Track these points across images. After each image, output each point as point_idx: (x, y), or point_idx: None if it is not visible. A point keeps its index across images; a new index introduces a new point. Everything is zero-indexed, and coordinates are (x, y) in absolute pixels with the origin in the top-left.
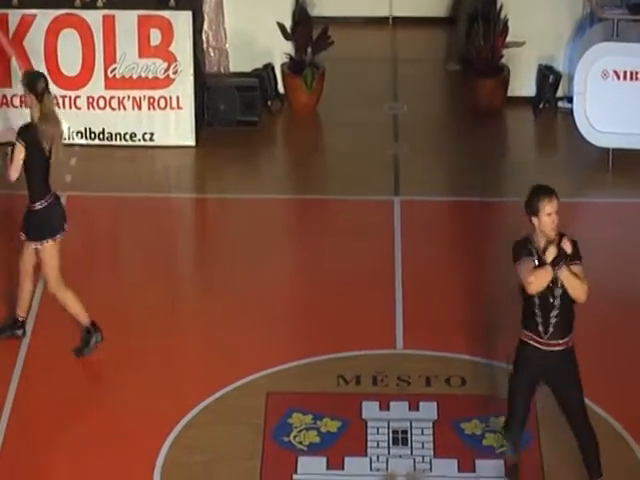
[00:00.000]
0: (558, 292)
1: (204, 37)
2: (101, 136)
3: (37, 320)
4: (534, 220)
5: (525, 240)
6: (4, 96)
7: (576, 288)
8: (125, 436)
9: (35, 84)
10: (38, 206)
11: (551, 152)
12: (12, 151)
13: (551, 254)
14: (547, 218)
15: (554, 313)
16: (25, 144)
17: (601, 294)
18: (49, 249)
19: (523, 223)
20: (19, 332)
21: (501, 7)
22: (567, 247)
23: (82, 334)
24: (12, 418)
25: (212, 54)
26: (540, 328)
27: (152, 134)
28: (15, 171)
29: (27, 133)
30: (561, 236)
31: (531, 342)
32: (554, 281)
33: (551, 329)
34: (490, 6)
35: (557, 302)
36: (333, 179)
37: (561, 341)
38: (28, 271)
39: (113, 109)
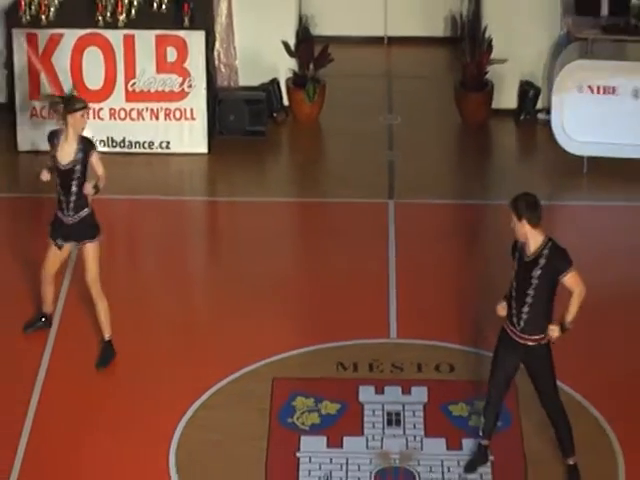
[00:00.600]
0: (531, 292)
1: (216, 54)
2: (122, 144)
3: (63, 312)
4: (518, 226)
5: (514, 241)
6: (34, 108)
7: (579, 305)
8: (143, 416)
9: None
10: (90, 209)
11: (531, 159)
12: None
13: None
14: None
15: (526, 309)
16: None
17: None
18: (95, 247)
19: (507, 224)
20: (46, 324)
21: (485, 28)
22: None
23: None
24: (43, 397)
25: (223, 70)
26: (514, 319)
27: (168, 142)
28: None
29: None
30: (549, 240)
31: (508, 330)
32: (529, 281)
33: (522, 323)
34: (476, 27)
35: (529, 300)
36: (333, 183)
37: (533, 337)
38: (54, 272)
39: (133, 120)
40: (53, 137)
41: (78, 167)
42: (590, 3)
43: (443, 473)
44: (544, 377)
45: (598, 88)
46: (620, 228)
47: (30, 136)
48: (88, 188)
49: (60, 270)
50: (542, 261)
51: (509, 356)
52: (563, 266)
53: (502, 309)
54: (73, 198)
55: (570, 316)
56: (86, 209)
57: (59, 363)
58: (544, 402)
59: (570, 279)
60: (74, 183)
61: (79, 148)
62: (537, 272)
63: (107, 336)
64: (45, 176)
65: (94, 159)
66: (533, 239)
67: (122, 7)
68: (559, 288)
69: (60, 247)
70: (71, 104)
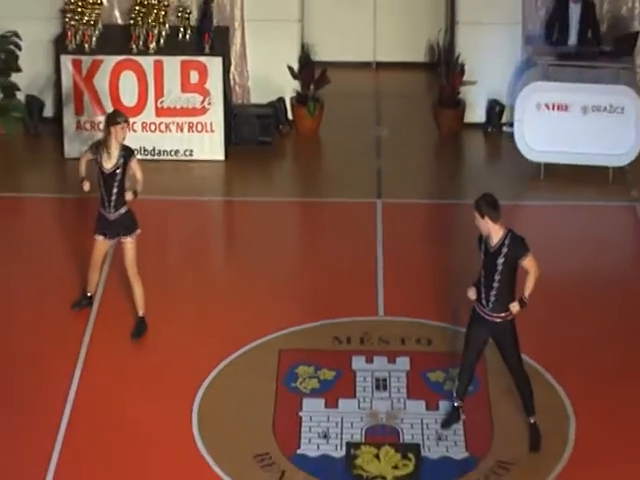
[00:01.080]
0: (497, 278)
1: (231, 77)
2: (152, 153)
3: (104, 293)
4: (482, 223)
5: (479, 235)
6: (78, 121)
7: (534, 283)
8: (169, 381)
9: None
10: (128, 207)
11: (497, 165)
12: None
13: (516, 308)
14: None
15: (493, 292)
16: None
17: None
18: (133, 239)
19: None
20: (90, 303)
21: (459, 55)
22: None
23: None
24: (87, 363)
25: (237, 89)
26: (483, 301)
27: (191, 151)
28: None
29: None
30: (508, 231)
31: (478, 310)
32: (495, 268)
33: (491, 305)
34: (450, 54)
35: (496, 285)
36: (330, 185)
37: (501, 314)
38: (101, 260)
39: (161, 132)
40: (98, 146)
41: (119, 171)
42: (561, 33)
43: (423, 429)
44: (510, 349)
45: (553, 105)
46: (572, 224)
47: (75, 145)
48: (129, 196)
49: (103, 258)
50: (504, 250)
51: (479, 331)
52: (522, 251)
53: (472, 293)
54: (114, 197)
55: (527, 292)
56: (124, 207)
57: (100, 334)
58: (511, 370)
59: (528, 262)
60: (115, 185)
61: (120, 155)
62: (501, 260)
63: (141, 313)
64: (86, 187)
65: (134, 164)
66: (495, 233)
67: (152, 37)
68: (519, 272)
69: (104, 239)
70: (114, 118)
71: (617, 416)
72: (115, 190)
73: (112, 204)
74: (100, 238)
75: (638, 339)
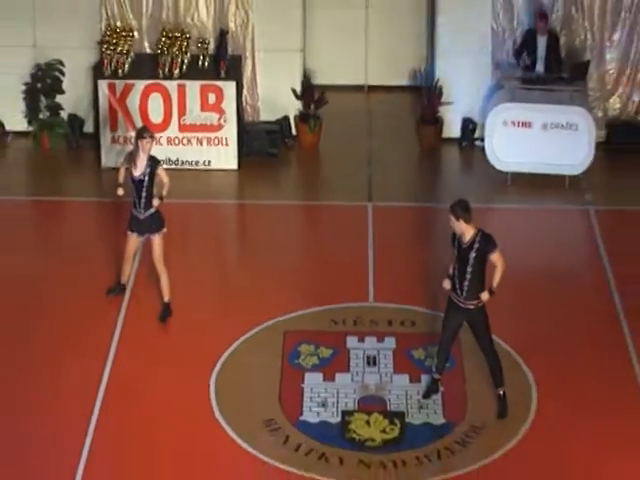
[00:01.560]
0: (469, 270)
1: (243, 98)
2: (176, 163)
3: (135, 282)
4: (456, 224)
5: (453, 234)
6: (113, 136)
7: (501, 275)
8: (191, 357)
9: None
10: (155, 209)
11: (470, 174)
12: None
13: (485, 297)
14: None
15: (466, 283)
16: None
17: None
18: (160, 236)
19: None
20: (123, 290)
21: (438, 79)
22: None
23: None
24: (121, 340)
25: (248, 109)
26: (457, 291)
27: (209, 161)
28: None
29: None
30: (479, 230)
31: (454, 298)
32: (467, 262)
33: (464, 293)
34: (431, 79)
35: (468, 276)
36: (328, 191)
37: (473, 302)
38: (133, 254)
39: (184, 145)
40: (130, 156)
41: (147, 178)
42: (531, 61)
43: (407, 399)
44: (482, 332)
45: (518, 123)
46: (534, 224)
47: (110, 157)
48: (155, 202)
49: (134, 252)
50: (476, 246)
51: (455, 317)
52: (491, 247)
53: (447, 284)
54: (143, 200)
55: (495, 283)
56: (152, 208)
57: (132, 317)
58: (483, 349)
59: (495, 256)
60: (144, 189)
61: (148, 164)
62: (472, 254)
63: (166, 299)
64: (120, 192)
65: (160, 171)
66: (467, 232)
67: (176, 64)
68: (488, 265)
69: (135, 235)
70: (141, 133)
71: (573, 388)
72: (144, 194)
73: (142, 206)
74: (132, 235)
75: (590, 323)
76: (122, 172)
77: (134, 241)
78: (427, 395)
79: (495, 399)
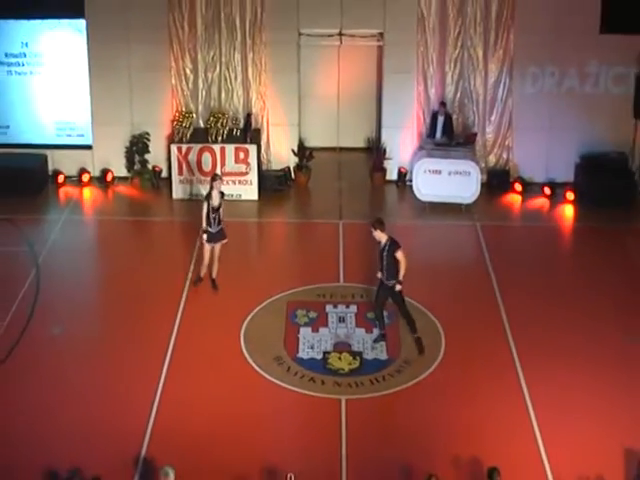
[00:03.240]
0: (385, 263)
1: (262, 155)
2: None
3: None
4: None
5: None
6: (179, 179)
7: (405, 268)
8: (227, 318)
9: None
10: (222, 225)
11: (403, 203)
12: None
13: (398, 287)
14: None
15: (385, 270)
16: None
17: (424, 266)
18: (222, 244)
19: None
20: (200, 280)
21: (383, 143)
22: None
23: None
24: (185, 306)
25: (264, 162)
26: (382, 276)
27: (240, 195)
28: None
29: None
30: (390, 238)
31: (380, 278)
32: (384, 258)
33: (385, 276)
34: (378, 143)
35: (386, 266)
36: (314, 213)
37: (391, 282)
38: (208, 257)
39: (224, 184)
40: (207, 196)
41: (220, 206)
42: (434, 132)
43: (364, 344)
44: (399, 301)
45: (432, 171)
46: (441, 234)
47: (178, 191)
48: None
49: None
50: (387, 247)
51: (383, 291)
52: (397, 248)
53: (379, 274)
54: (216, 220)
55: (401, 275)
56: (221, 224)
57: (192, 294)
58: (399, 310)
59: (399, 254)
60: (218, 213)
61: (220, 196)
62: (386, 253)
63: (214, 276)
64: (205, 238)
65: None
66: (382, 238)
67: (218, 135)
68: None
69: (209, 244)
70: (215, 177)
71: (471, 334)
72: (217, 217)
73: (215, 223)
74: (207, 244)
75: (475, 292)
76: (205, 207)
77: (208, 248)
78: (376, 341)
79: (415, 342)
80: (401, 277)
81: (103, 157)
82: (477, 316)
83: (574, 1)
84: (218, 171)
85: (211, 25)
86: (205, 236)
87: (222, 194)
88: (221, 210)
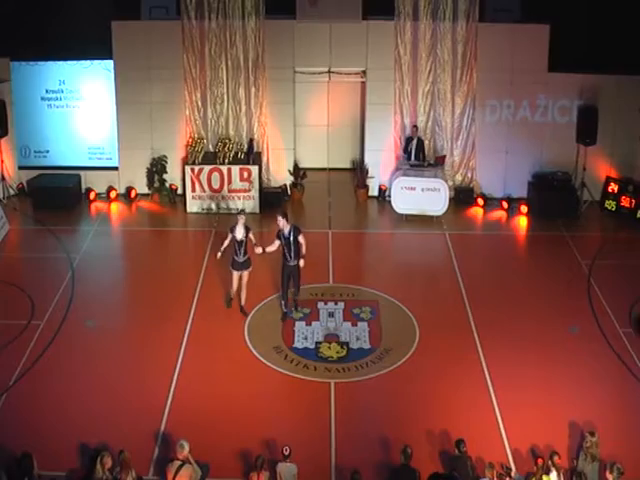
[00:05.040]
0: (291, 248)
1: (263, 175)
2: (226, 209)
3: (203, 284)
4: (281, 222)
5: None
6: (193, 195)
7: (305, 249)
8: (234, 314)
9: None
10: (248, 255)
11: (383, 215)
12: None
13: (301, 263)
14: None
15: (291, 252)
16: (231, 233)
17: (401, 268)
18: (249, 272)
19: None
20: (231, 300)
21: (366, 164)
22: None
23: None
24: (198, 302)
25: (265, 180)
26: (288, 257)
27: (244, 209)
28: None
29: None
30: (293, 225)
31: (286, 259)
32: (290, 242)
33: (292, 257)
34: (362, 164)
35: (293, 248)
36: (308, 223)
37: (295, 261)
38: (237, 283)
39: (231, 200)
40: (232, 228)
41: (245, 238)
42: (409, 154)
43: (350, 335)
44: (296, 280)
45: (408, 187)
46: (417, 241)
47: (192, 205)
48: (259, 250)
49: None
50: (292, 233)
51: (288, 270)
52: (299, 233)
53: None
54: (242, 251)
55: (302, 253)
56: (247, 254)
57: (204, 293)
58: (294, 285)
59: (301, 238)
60: (243, 245)
61: (245, 230)
62: (291, 238)
63: (243, 303)
64: (219, 255)
65: (251, 235)
66: (286, 227)
67: (226, 157)
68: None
69: (236, 272)
70: (240, 212)
71: (441, 325)
72: (242, 248)
73: (241, 254)
74: (235, 272)
75: (446, 288)
76: (228, 238)
77: (236, 276)
78: (283, 319)
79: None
80: (303, 252)
81: (128, 177)
82: (446, 310)
83: (526, 45)
84: (225, 189)
85: (219, 64)
86: (232, 265)
87: (247, 229)
88: (247, 241)
